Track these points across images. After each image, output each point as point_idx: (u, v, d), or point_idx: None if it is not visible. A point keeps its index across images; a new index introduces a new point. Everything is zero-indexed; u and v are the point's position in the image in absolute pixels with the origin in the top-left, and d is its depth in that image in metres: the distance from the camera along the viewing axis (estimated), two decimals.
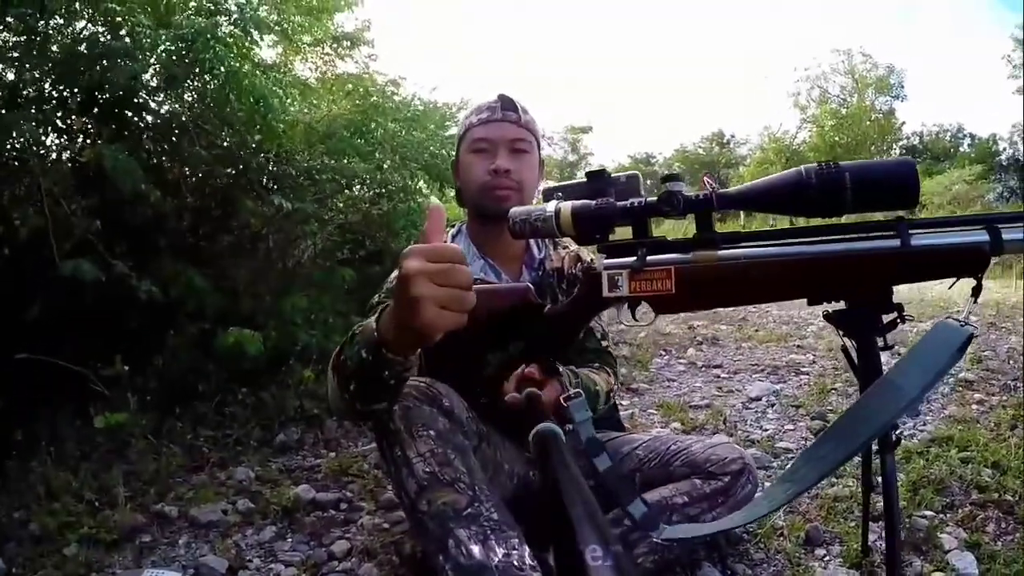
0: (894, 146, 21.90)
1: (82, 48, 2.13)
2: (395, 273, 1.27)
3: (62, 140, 2.35)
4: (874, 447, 1.03)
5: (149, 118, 2.43)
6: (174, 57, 2.19)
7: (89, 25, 2.27)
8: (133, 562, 1.39)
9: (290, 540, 1.47)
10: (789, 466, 0.85)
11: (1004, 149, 21.86)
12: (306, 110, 2.99)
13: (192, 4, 2.42)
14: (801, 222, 0.89)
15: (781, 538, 1.37)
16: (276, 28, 2.85)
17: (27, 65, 2.12)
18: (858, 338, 0.87)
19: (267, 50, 3.04)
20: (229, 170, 2.57)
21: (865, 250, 0.83)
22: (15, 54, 2.12)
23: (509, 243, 1.31)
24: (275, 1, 2.81)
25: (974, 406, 2.26)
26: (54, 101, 2.17)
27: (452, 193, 4.26)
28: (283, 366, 2.34)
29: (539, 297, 1.02)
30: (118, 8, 2.15)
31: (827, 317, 0.89)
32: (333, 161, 2.79)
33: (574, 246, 1.44)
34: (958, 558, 1.28)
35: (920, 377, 0.77)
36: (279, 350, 2.31)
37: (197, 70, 2.23)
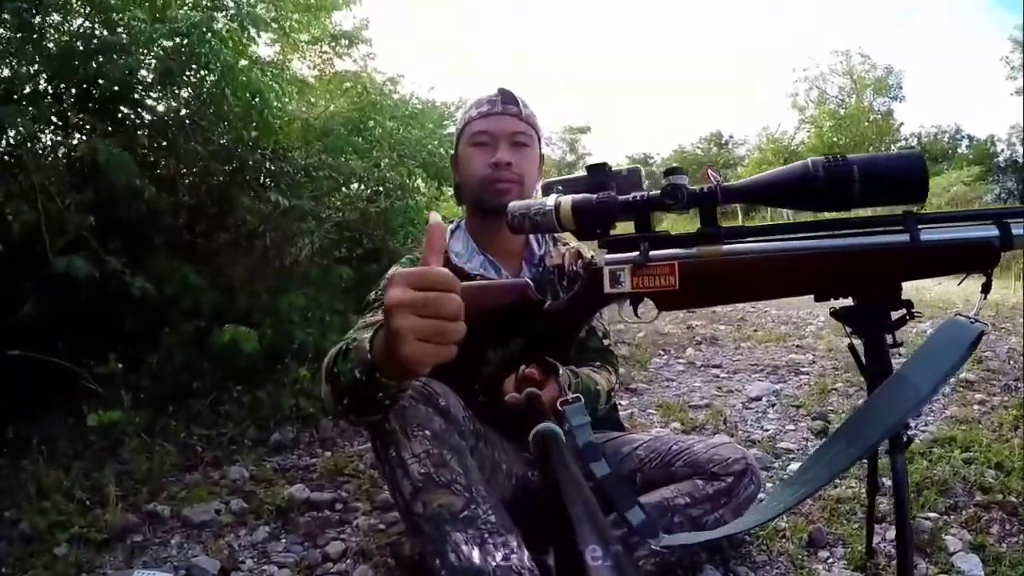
0: (892, 147, 21.92)
1: (78, 44, 2.11)
2: (392, 269, 1.26)
3: (57, 136, 2.33)
4: (880, 447, 1.03)
5: (145, 115, 2.41)
6: (170, 52, 2.16)
7: (86, 22, 2.25)
8: (124, 562, 1.37)
9: (284, 541, 1.44)
10: (798, 467, 0.82)
11: (1002, 150, 21.91)
12: (304, 108, 2.97)
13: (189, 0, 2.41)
14: (798, 217, 0.88)
15: (784, 540, 1.35)
16: (274, 25, 2.83)
17: (23, 61, 2.10)
18: (867, 335, 0.85)
19: (265, 48, 3.04)
20: (225, 167, 2.55)
21: (873, 245, 0.81)
22: (11, 49, 2.09)
23: (509, 238, 1.29)
24: None
25: (975, 406, 2.24)
26: (49, 97, 2.15)
27: (451, 192, 4.28)
28: (279, 364, 2.31)
29: (539, 294, 0.99)
30: (114, 2, 2.13)
31: (834, 314, 0.87)
32: (330, 159, 2.77)
33: (574, 242, 1.42)
34: (963, 560, 1.27)
35: (931, 375, 0.75)
36: (275, 348, 2.29)
37: (193, 65, 2.21)
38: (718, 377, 3.05)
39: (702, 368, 3.26)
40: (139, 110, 2.39)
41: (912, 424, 2.14)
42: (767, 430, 2.14)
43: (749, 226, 0.85)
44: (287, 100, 2.58)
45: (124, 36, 2.13)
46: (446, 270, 0.65)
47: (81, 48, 2.10)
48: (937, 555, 1.29)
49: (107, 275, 1.94)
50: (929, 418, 2.17)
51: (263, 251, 2.73)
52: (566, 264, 1.35)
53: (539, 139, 1.31)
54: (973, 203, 13.19)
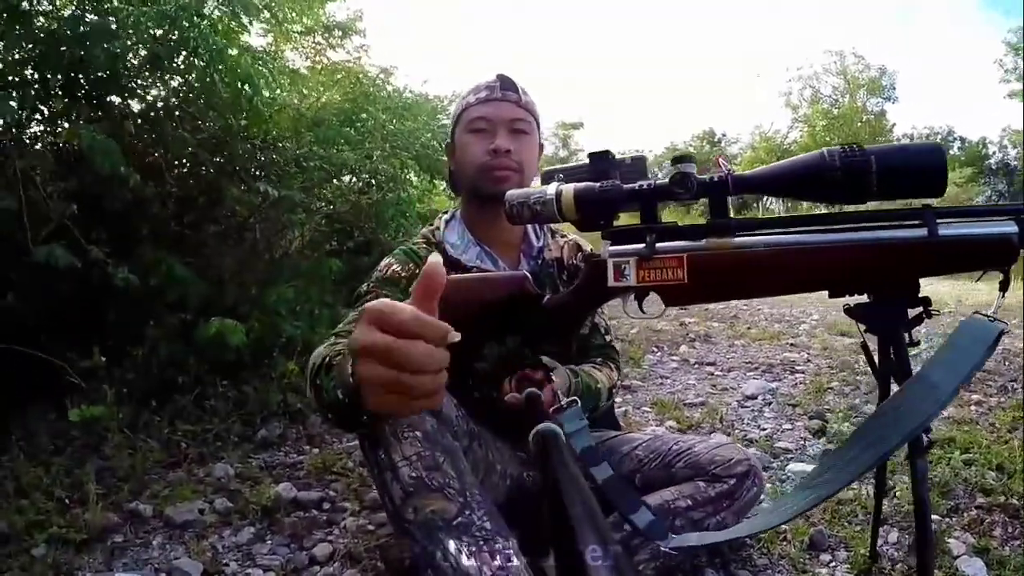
0: None
1: (66, 29, 2.04)
2: (385, 261, 1.21)
3: (41, 125, 2.26)
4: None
5: (133, 103, 2.35)
6: (158, 36, 2.10)
7: (76, 9, 2.18)
8: (104, 564, 1.32)
9: (269, 542, 1.40)
10: (813, 469, 0.79)
11: (994, 153, 22.09)
12: (296, 98, 2.91)
13: None
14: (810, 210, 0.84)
15: (785, 543, 1.31)
16: (266, 14, 2.78)
17: (8, 46, 2.03)
18: (884, 333, 0.82)
19: (258, 39, 3.00)
20: (215, 157, 2.49)
21: (891, 239, 0.77)
22: None
23: (506, 229, 1.25)
24: None
25: (972, 407, 2.22)
26: (37, 86, 2.09)
27: (443, 186, 4.23)
28: (267, 359, 2.26)
29: (538, 287, 0.95)
30: None
31: (848, 311, 0.84)
32: (321, 150, 2.72)
33: (572, 234, 1.38)
34: (967, 564, 1.24)
35: (953, 375, 0.72)
36: (263, 342, 2.24)
37: (182, 51, 2.15)
38: (712, 375, 3.02)
39: (696, 366, 3.23)
40: (126, 97, 2.32)
41: None
42: (764, 429, 2.11)
43: (760, 218, 0.81)
44: (278, 88, 2.52)
45: (112, 20, 2.07)
46: (420, 314, 0.52)
47: (69, 33, 2.03)
48: (941, 559, 1.26)
49: (89, 265, 1.88)
50: None
51: (252, 243, 2.67)
52: (565, 257, 1.31)
53: (538, 127, 1.26)
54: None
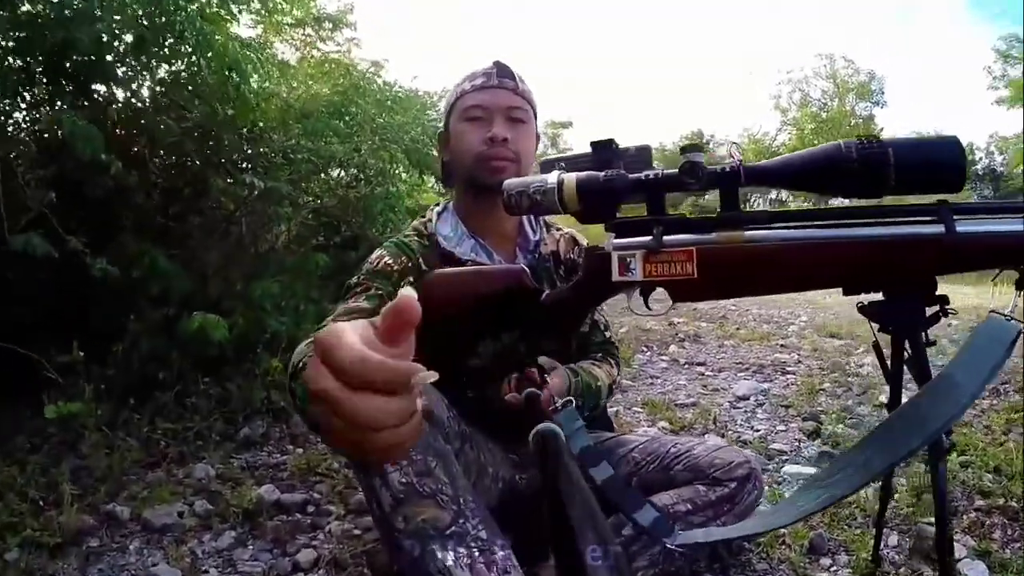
0: None
1: (49, 12, 1.97)
2: (376, 253, 1.16)
3: (25, 111, 2.20)
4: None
5: (117, 90, 2.28)
6: (143, 19, 2.03)
7: None
8: (78, 570, 1.26)
9: (251, 547, 1.34)
10: (827, 467, 0.75)
11: (980, 159, 22.32)
12: (284, 91, 2.85)
13: None
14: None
15: (784, 547, 1.28)
16: (256, 4, 2.72)
17: None
18: (900, 332, 0.78)
19: (248, 31, 2.94)
20: (201, 148, 2.43)
21: (908, 235, 0.74)
22: None
23: (502, 222, 1.20)
24: None
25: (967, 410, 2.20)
26: (22, 74, 2.02)
27: (432, 183, 4.17)
28: (250, 355, 2.20)
29: (535, 282, 0.90)
30: None
31: (862, 310, 0.80)
32: (310, 142, 2.66)
33: (567, 228, 1.34)
34: (970, 567, 1.23)
35: (976, 375, 0.69)
36: (247, 337, 2.18)
37: (169, 36, 2.08)
38: (703, 375, 3.00)
39: (686, 366, 3.22)
40: (111, 85, 2.25)
41: None
42: (757, 430, 2.09)
43: (772, 211, 0.78)
44: (266, 79, 2.46)
45: (97, 2, 2.00)
46: (372, 358, 0.38)
47: (52, 16, 1.96)
48: None
49: (67, 255, 1.81)
50: None
51: (237, 236, 2.61)
52: (562, 251, 1.27)
53: (535, 116, 1.22)
54: None
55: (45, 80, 2.10)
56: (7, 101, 2.06)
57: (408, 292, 0.41)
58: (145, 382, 2.01)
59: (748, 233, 0.75)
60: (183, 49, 2.11)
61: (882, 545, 1.28)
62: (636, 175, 0.78)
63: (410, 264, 1.12)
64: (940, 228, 0.73)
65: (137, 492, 1.55)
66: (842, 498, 0.78)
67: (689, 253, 0.74)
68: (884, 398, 2.39)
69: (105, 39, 1.99)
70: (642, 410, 2.38)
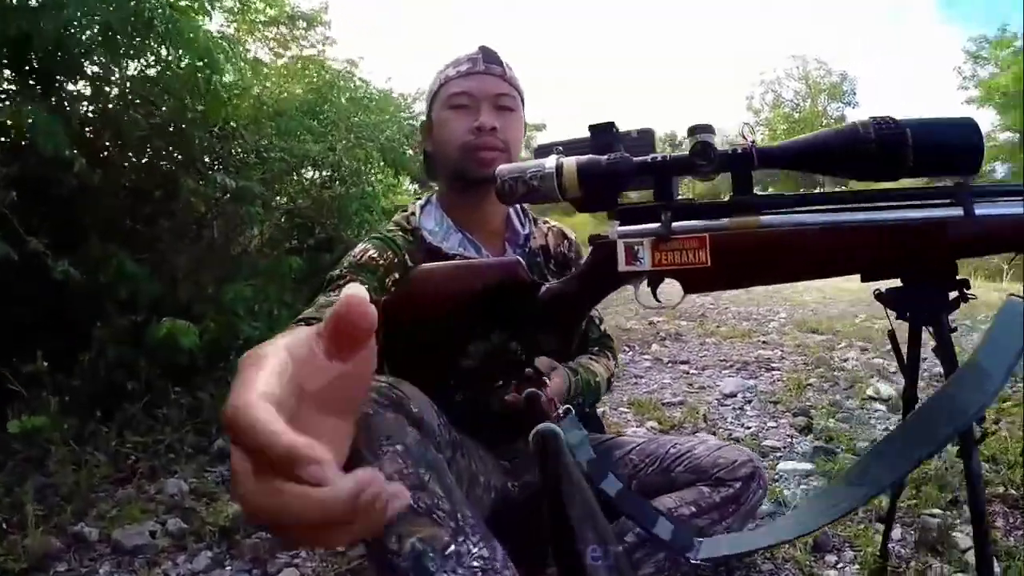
0: None
1: (11, 1, 1.86)
2: (360, 247, 1.09)
3: None
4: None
5: (83, 85, 2.17)
6: (110, 3, 1.93)
7: None
8: None
9: (229, 568, 1.26)
10: (851, 468, 0.71)
11: None
12: (257, 89, 2.77)
13: None
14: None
15: (789, 546, 1.24)
16: (228, 2, 2.64)
17: None
18: (920, 319, 0.75)
19: (222, 29, 2.85)
20: (170, 146, 2.33)
21: (927, 219, 0.70)
22: None
23: (489, 215, 1.14)
24: None
25: None
26: None
27: (407, 183, 4.08)
28: (223, 362, 2.11)
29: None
30: None
31: (879, 297, 0.76)
32: (283, 141, 2.58)
33: (553, 221, 1.28)
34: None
35: (1001, 360, 0.66)
36: (219, 343, 2.08)
37: (138, 25, 1.98)
38: (687, 373, 2.97)
39: (669, 364, 3.18)
40: (77, 80, 2.15)
41: (894, 419, 2.10)
42: (748, 427, 2.06)
43: (787, 195, 0.73)
44: (238, 73, 2.37)
45: None
46: (276, 438, 0.26)
47: (15, 3, 1.85)
48: (950, 553, 1.22)
49: (28, 257, 1.71)
50: None
51: (209, 239, 2.51)
52: (551, 245, 1.21)
53: (523, 104, 1.16)
54: None
55: (7, 73, 1.99)
56: None
57: (355, 290, 0.31)
58: (113, 392, 1.91)
59: (764, 218, 0.70)
60: (151, 40, 2.01)
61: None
62: (642, 158, 0.73)
63: (396, 260, 1.05)
64: (959, 211, 0.70)
65: (106, 511, 1.45)
66: (877, 494, 0.74)
67: (702, 240, 0.69)
68: (872, 392, 2.40)
69: (71, 30, 1.89)
70: (629, 410, 2.34)
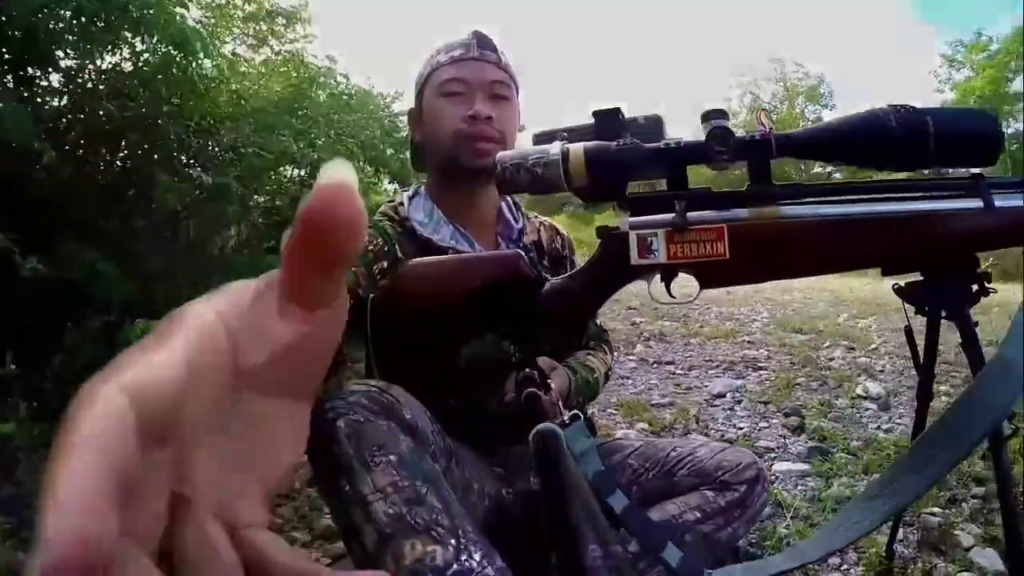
0: None
1: None
2: None
3: None
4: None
5: (55, 77, 2.08)
6: None
7: None
8: None
9: None
10: (882, 475, 0.68)
11: None
12: (235, 85, 2.69)
13: None
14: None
15: (789, 548, 1.21)
16: None
17: None
18: (942, 313, 0.72)
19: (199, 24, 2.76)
20: (144, 142, 2.25)
21: (948, 211, 0.68)
22: None
23: (481, 208, 1.09)
24: None
25: (943, 398, 2.20)
26: None
27: (387, 182, 4.03)
28: None
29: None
30: None
31: (899, 291, 0.73)
32: (261, 138, 2.50)
33: (543, 216, 1.24)
34: (980, 555, 1.20)
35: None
36: None
37: (112, 11, 1.91)
38: (674, 374, 2.95)
39: (655, 365, 3.15)
40: (48, 71, 2.06)
41: (885, 417, 2.09)
42: (740, 428, 2.03)
43: (806, 184, 0.70)
44: (216, 65, 2.29)
45: None
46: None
47: None
48: (954, 552, 1.21)
49: None
50: (902, 411, 2.11)
51: (185, 238, 2.43)
52: (544, 240, 1.16)
53: (518, 92, 1.11)
54: None
55: None
56: None
57: (336, 168, 0.20)
58: None
59: (785, 209, 0.66)
60: (126, 28, 1.93)
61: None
62: (654, 144, 0.69)
63: (385, 247, 0.99)
64: (979, 203, 0.67)
65: None
66: (911, 503, 0.72)
67: (720, 231, 0.65)
68: (861, 390, 2.39)
69: (41, 15, 1.80)
70: (617, 412, 2.30)
